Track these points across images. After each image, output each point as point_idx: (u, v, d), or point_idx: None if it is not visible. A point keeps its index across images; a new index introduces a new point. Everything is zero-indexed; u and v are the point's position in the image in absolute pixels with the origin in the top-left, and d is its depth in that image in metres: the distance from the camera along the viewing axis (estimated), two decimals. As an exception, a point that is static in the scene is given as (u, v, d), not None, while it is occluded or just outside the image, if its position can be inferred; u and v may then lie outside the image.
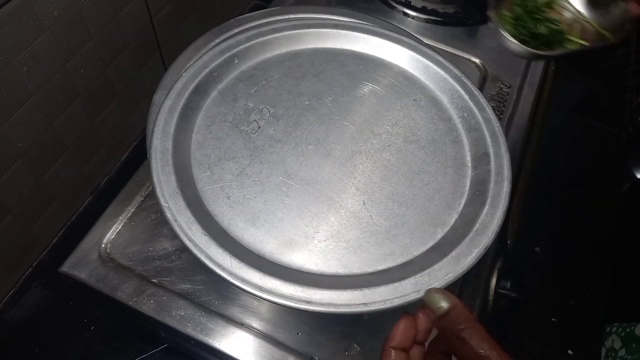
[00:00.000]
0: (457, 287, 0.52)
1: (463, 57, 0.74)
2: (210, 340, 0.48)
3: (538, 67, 0.73)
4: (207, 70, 0.48)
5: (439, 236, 0.42)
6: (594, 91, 0.95)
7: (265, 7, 0.62)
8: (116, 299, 0.50)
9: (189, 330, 0.49)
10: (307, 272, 0.40)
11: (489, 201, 0.42)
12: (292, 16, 0.60)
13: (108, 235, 0.54)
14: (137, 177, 0.58)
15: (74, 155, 0.59)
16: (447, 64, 0.52)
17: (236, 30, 0.58)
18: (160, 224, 0.55)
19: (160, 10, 0.63)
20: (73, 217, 0.64)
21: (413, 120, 0.50)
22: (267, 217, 0.42)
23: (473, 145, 0.48)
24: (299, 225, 0.42)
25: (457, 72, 0.52)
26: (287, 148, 0.46)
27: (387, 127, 0.49)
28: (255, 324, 0.50)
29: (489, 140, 0.47)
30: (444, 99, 0.51)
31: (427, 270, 0.38)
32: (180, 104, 0.45)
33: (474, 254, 0.39)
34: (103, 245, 0.54)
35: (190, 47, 0.56)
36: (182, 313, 0.49)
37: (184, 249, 0.54)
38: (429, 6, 0.79)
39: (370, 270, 0.40)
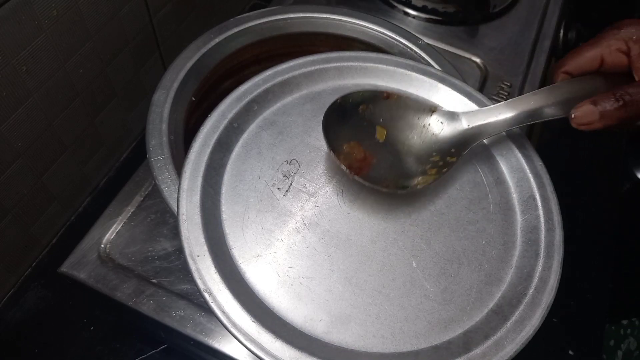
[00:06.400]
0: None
1: (464, 57, 0.74)
2: (210, 341, 0.48)
3: (539, 67, 0.73)
4: (226, 122, 0.43)
5: (497, 295, 0.39)
6: (594, 91, 0.95)
7: (265, 7, 0.62)
8: (115, 299, 0.50)
9: (189, 330, 0.49)
10: (367, 353, 0.36)
11: (543, 252, 0.40)
12: (292, 15, 0.60)
13: (107, 235, 0.54)
14: (137, 177, 0.58)
15: (73, 155, 0.58)
16: (476, 94, 0.48)
17: (236, 29, 0.58)
18: (160, 224, 0.55)
19: (159, 10, 0.63)
20: (72, 217, 0.63)
21: (460, 177, 0.45)
22: (315, 291, 0.38)
23: (517, 187, 0.44)
24: (349, 297, 0.37)
25: (488, 104, 0.47)
26: (322, 206, 0.41)
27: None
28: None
29: (533, 181, 0.43)
30: (503, 164, 0.46)
31: (493, 339, 0.36)
32: (203, 165, 0.40)
33: (537, 315, 0.36)
34: (102, 246, 0.53)
35: (190, 47, 0.55)
36: (182, 313, 0.49)
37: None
38: (430, 5, 0.79)
39: (434, 343, 0.36)
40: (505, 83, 0.70)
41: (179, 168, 0.47)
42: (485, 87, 0.70)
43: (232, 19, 0.58)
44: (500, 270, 0.40)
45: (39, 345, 0.55)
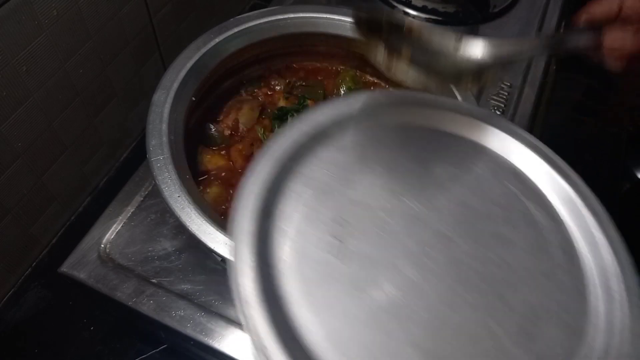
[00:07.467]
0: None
1: (463, 57, 0.73)
2: (210, 341, 0.48)
3: (539, 67, 0.73)
4: (266, 184, 0.38)
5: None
6: (594, 91, 0.95)
7: (265, 7, 0.62)
8: (115, 299, 0.50)
9: (189, 330, 0.49)
10: None
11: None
12: (292, 15, 0.60)
13: (107, 235, 0.54)
14: (137, 177, 0.58)
15: (73, 155, 0.58)
16: (548, 153, 0.46)
17: (236, 29, 0.58)
18: (160, 224, 0.55)
19: (159, 10, 0.63)
20: (72, 217, 0.63)
21: (513, 217, 0.41)
22: None
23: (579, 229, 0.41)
24: None
25: (567, 170, 0.45)
26: (381, 269, 0.36)
27: (487, 224, 0.39)
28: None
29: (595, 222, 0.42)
30: (554, 200, 0.44)
31: None
32: (253, 236, 0.35)
33: None
34: (102, 246, 0.53)
35: (190, 47, 0.55)
36: (182, 313, 0.49)
37: (183, 248, 0.54)
38: (430, 5, 0.78)
39: None
40: (505, 83, 0.70)
41: (179, 168, 0.47)
42: (485, 87, 0.70)
43: (232, 19, 0.58)
44: (580, 320, 0.36)
45: (38, 345, 0.55)
